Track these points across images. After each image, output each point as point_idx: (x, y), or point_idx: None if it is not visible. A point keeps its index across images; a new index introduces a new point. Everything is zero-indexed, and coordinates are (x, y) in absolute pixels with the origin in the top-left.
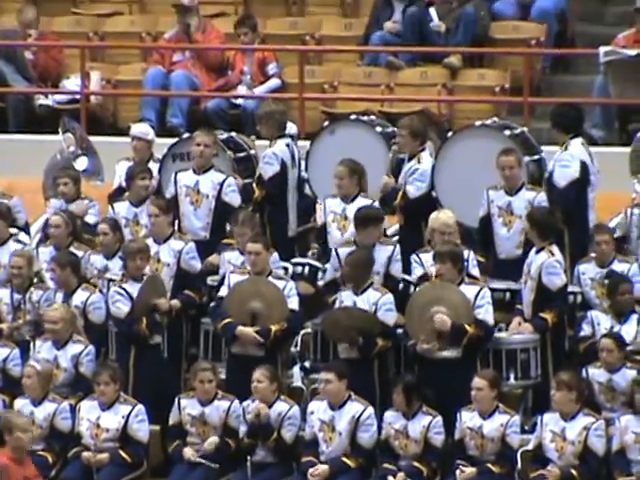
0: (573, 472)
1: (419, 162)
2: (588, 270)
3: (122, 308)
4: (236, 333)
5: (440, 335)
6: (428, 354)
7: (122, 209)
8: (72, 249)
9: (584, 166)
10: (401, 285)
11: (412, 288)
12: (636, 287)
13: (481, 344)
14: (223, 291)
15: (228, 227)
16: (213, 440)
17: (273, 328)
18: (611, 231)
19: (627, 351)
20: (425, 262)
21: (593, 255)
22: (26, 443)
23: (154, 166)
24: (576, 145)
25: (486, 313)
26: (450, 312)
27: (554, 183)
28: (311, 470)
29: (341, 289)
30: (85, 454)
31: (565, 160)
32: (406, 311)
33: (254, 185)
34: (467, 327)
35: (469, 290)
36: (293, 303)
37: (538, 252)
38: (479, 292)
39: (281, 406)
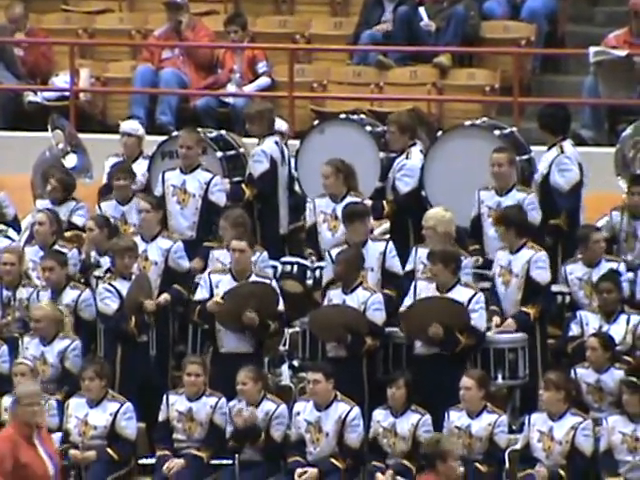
0: (561, 472)
1: (407, 157)
2: (575, 270)
3: (110, 305)
4: (207, 308)
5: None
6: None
7: (109, 208)
8: (57, 247)
9: (581, 168)
10: None
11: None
12: (625, 290)
13: (472, 351)
14: (200, 294)
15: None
16: (179, 462)
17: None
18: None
19: (615, 351)
20: (419, 257)
21: (580, 256)
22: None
23: (144, 162)
24: (570, 147)
25: (479, 319)
26: (445, 321)
27: (556, 187)
28: (299, 471)
29: (330, 288)
30: (72, 451)
31: (564, 164)
32: (401, 316)
33: (243, 186)
34: (460, 337)
35: (464, 293)
36: (279, 305)
37: (517, 251)
38: (473, 296)
39: (268, 405)
